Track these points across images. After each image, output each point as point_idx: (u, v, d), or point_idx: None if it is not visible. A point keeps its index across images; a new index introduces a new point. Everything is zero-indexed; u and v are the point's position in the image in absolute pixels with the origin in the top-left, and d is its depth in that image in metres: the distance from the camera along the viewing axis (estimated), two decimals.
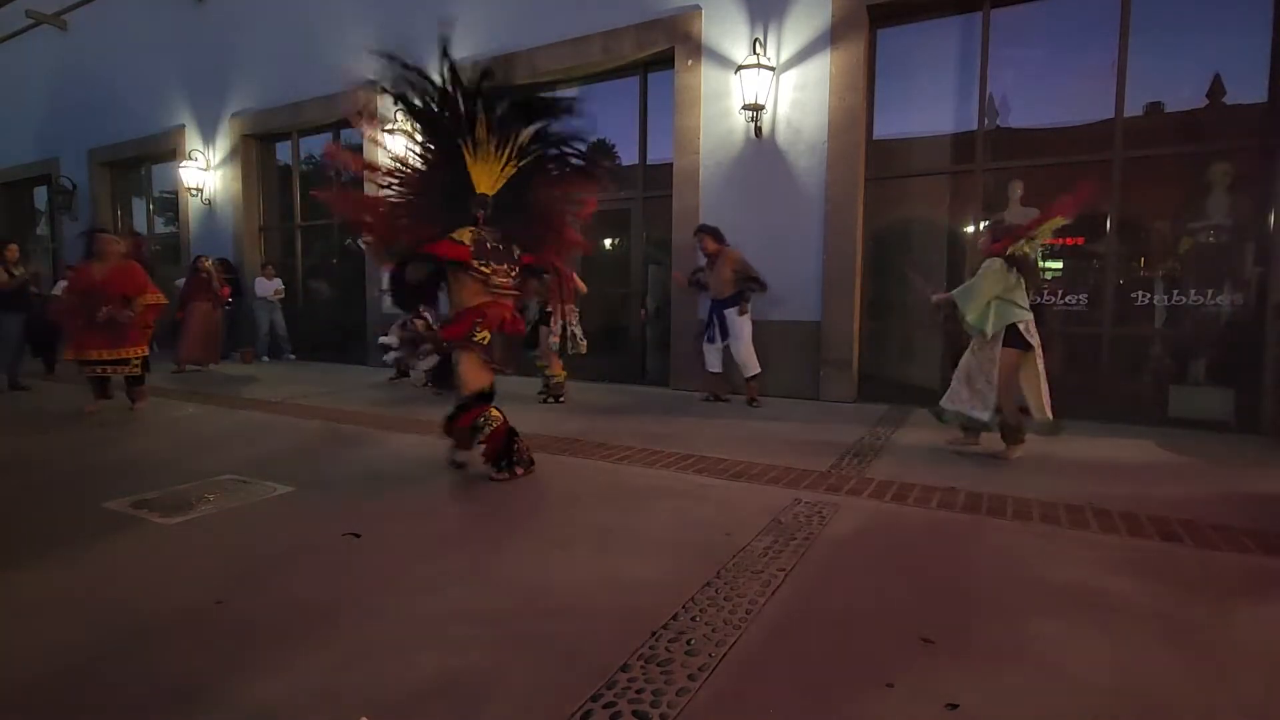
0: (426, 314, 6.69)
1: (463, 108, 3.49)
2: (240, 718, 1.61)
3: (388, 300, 6.96)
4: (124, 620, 2.08)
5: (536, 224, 3.81)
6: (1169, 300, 5.50)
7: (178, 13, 10.86)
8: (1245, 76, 5.27)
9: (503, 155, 3.58)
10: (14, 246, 7.00)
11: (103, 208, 12.69)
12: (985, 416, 4.19)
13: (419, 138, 3.66)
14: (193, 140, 11.01)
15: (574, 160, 3.82)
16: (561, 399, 6.29)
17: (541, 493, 3.46)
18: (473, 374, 3.62)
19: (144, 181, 12.58)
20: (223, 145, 10.69)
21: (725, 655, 1.85)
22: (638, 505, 3.22)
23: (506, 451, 3.61)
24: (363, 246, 3.95)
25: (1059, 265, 6.19)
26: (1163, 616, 2.10)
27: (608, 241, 8.52)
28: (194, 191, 10.92)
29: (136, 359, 5.71)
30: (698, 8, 6.72)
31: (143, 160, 12.24)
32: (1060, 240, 6.21)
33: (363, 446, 4.54)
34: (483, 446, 3.60)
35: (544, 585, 2.33)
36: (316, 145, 10.47)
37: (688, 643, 1.91)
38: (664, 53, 6.97)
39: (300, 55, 9.62)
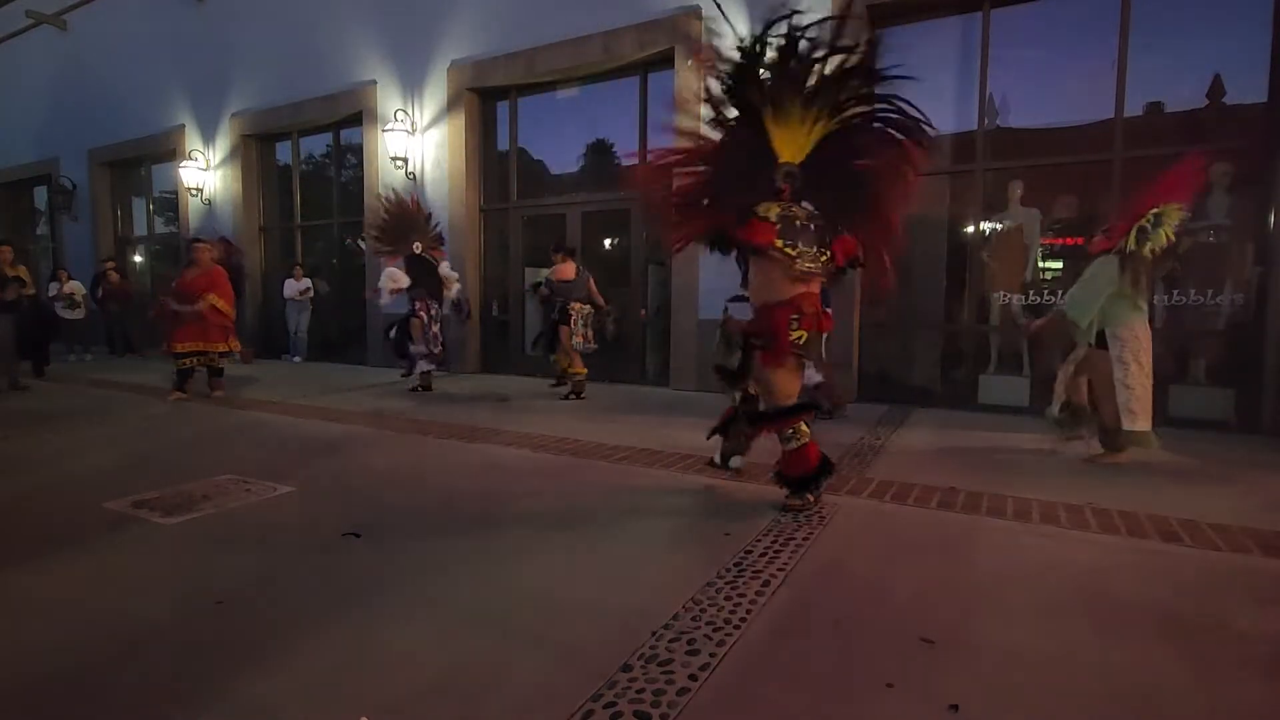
0: (427, 310, 6.79)
1: (765, 71, 2.94)
2: (240, 718, 1.61)
3: (382, 300, 6.99)
4: (124, 620, 2.08)
5: (855, 198, 3.12)
6: (1169, 300, 5.50)
7: (178, 13, 10.86)
8: (1245, 76, 5.27)
9: (810, 118, 3.00)
10: (7, 248, 7.11)
11: (102, 208, 12.70)
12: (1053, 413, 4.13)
13: (717, 104, 3.08)
14: (193, 140, 11.02)
15: (895, 120, 3.18)
16: (582, 395, 6.44)
17: (542, 492, 3.46)
18: (785, 382, 3.10)
19: (144, 181, 12.57)
20: (223, 145, 10.69)
21: (726, 655, 1.85)
22: (638, 505, 3.22)
23: (816, 476, 3.08)
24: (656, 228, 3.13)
25: (1059, 265, 6.20)
26: (1163, 616, 2.10)
27: (607, 242, 8.53)
28: (194, 191, 10.93)
29: (217, 353, 6.58)
30: (698, 8, 6.72)
31: (143, 160, 12.25)
32: (1060, 240, 6.22)
33: (362, 446, 4.54)
34: (779, 463, 3.15)
35: (544, 585, 2.33)
36: (317, 145, 10.49)
37: (688, 642, 1.90)
38: (664, 53, 6.98)
39: (300, 55, 9.63)
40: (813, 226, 3.04)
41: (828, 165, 3.07)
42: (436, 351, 6.93)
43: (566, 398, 6.43)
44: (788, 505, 3.07)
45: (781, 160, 3.03)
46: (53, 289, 10.60)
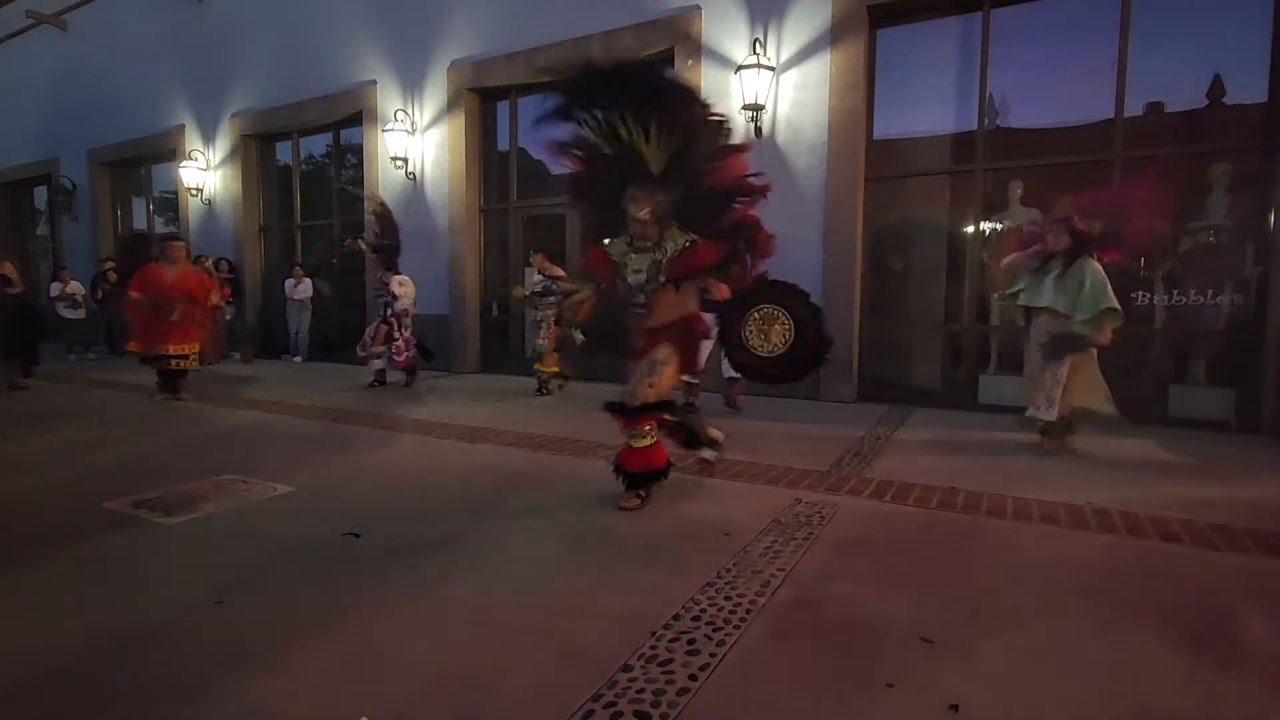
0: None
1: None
2: (240, 718, 1.61)
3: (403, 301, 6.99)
4: (124, 620, 2.08)
5: (705, 203, 3.26)
6: (1169, 300, 5.50)
7: (178, 13, 10.86)
8: (1245, 76, 5.27)
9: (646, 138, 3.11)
10: None
11: (102, 208, 12.70)
12: (1053, 416, 4.22)
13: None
14: (193, 140, 11.01)
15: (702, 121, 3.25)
16: (560, 387, 6.76)
17: (541, 492, 3.46)
18: (669, 379, 3.19)
19: (144, 181, 12.57)
20: (223, 145, 10.69)
21: (725, 655, 1.85)
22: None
23: (654, 476, 3.20)
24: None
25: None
26: (1163, 616, 2.10)
27: (606, 241, 8.53)
28: (194, 191, 10.93)
29: (195, 354, 6.45)
30: (698, 8, 6.72)
31: (143, 160, 12.24)
32: None
33: (362, 446, 4.54)
34: (618, 455, 3.26)
35: (544, 584, 2.33)
36: (317, 145, 10.49)
37: (688, 642, 1.90)
38: (664, 53, 6.97)
39: (300, 55, 9.62)
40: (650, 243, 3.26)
41: (683, 174, 3.24)
42: (400, 360, 7.04)
43: (547, 392, 6.61)
44: (623, 505, 3.12)
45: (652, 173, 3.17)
46: (55, 289, 10.61)
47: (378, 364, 7.18)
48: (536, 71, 3.15)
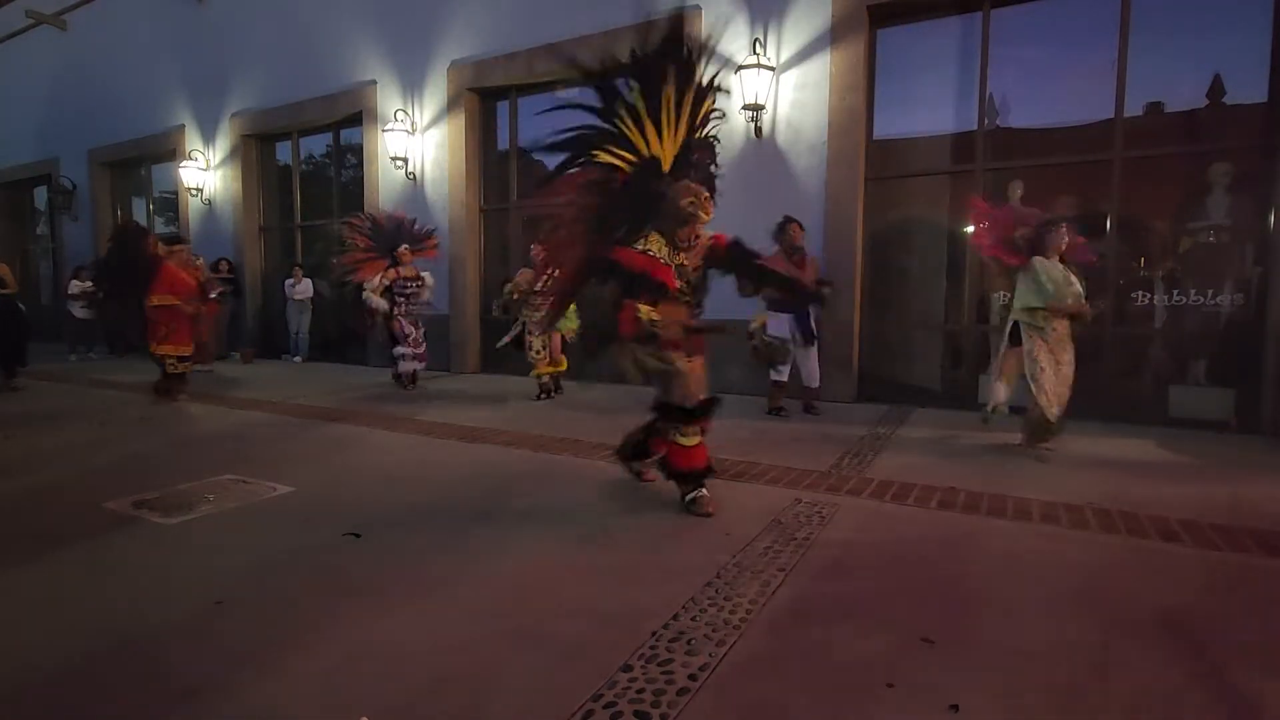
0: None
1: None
2: (240, 718, 1.61)
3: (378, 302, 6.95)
4: (124, 620, 2.08)
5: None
6: (1169, 300, 5.50)
7: (178, 13, 10.86)
8: (1245, 76, 5.27)
9: (674, 120, 3.12)
10: None
11: (102, 208, 12.70)
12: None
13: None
14: (193, 140, 11.01)
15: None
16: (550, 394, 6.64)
17: (543, 492, 3.46)
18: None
19: (144, 181, 12.57)
20: (223, 145, 10.69)
21: (725, 655, 1.85)
22: (638, 504, 3.22)
23: (697, 478, 3.22)
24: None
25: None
26: (1163, 616, 2.10)
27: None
28: (194, 191, 10.93)
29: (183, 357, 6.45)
30: (698, 8, 6.71)
31: (143, 160, 12.24)
32: None
33: (362, 446, 4.54)
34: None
35: (544, 584, 2.33)
36: (317, 145, 10.49)
37: (688, 642, 1.91)
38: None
39: (300, 55, 9.63)
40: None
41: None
42: (419, 351, 7.11)
43: (548, 396, 6.53)
44: (646, 478, 3.44)
45: (664, 169, 3.35)
46: (74, 287, 10.62)
47: (418, 365, 7.13)
48: (566, 67, 3.08)
